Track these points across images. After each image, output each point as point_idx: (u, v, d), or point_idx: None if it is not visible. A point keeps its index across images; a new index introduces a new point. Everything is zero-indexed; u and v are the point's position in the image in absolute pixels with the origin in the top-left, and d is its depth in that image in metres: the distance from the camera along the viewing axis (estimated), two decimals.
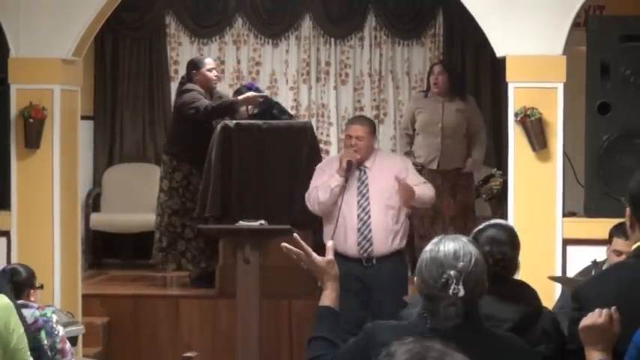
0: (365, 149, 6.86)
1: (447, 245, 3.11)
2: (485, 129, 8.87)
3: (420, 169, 8.80)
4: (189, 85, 8.36)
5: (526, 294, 3.86)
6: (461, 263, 3.06)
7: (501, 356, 3.13)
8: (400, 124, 9.55)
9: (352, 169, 6.79)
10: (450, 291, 3.02)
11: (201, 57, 8.97)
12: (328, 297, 3.44)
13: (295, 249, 3.50)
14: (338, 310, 3.44)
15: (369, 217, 6.78)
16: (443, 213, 8.58)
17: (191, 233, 8.29)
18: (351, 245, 6.76)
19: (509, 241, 3.91)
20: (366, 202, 6.82)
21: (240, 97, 8.25)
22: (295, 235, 3.59)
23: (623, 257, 5.44)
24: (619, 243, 5.49)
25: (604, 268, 5.58)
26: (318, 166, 7.10)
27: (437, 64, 9.10)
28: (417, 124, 8.82)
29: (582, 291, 3.34)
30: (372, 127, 7.06)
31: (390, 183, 6.79)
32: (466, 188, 8.77)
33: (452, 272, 3.03)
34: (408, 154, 8.92)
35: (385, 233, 6.77)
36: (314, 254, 3.49)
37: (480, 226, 3.95)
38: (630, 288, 3.22)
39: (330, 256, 3.49)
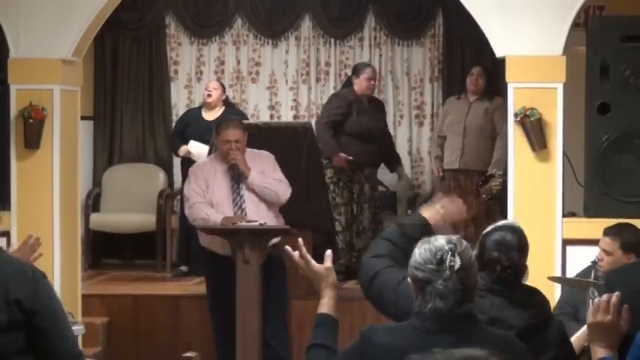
0: (243, 150, 7.02)
1: (439, 239, 3.24)
2: None
3: (443, 176, 8.85)
4: (340, 91, 9.09)
5: (536, 302, 3.77)
6: (454, 238, 3.22)
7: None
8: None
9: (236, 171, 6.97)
10: (447, 263, 3.13)
11: (365, 64, 9.31)
12: (326, 305, 3.47)
13: (294, 254, 3.53)
14: (336, 317, 3.47)
15: (245, 213, 6.91)
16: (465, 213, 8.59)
17: None
18: (223, 243, 6.86)
19: (518, 245, 3.79)
20: (241, 200, 6.96)
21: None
22: (300, 240, 3.63)
23: (602, 255, 5.56)
24: (604, 241, 5.62)
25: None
26: (191, 170, 7.16)
27: (476, 66, 9.09)
28: (445, 126, 8.90)
29: (613, 279, 3.36)
30: (244, 127, 7.16)
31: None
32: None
33: (446, 247, 3.17)
34: (439, 158, 8.98)
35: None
36: (312, 261, 3.53)
37: (488, 229, 3.85)
38: None
39: (328, 263, 3.52)
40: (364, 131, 8.77)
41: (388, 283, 3.82)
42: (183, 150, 9.08)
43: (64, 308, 3.77)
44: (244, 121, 8.03)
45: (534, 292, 3.83)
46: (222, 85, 9.45)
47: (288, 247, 3.61)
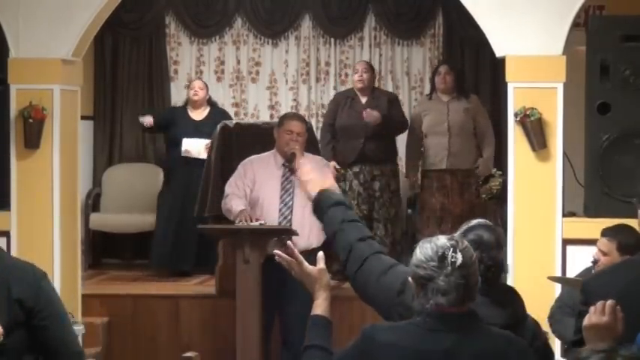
0: (303, 146, 7.02)
1: (440, 238, 3.23)
2: (492, 127, 8.83)
3: (423, 177, 8.76)
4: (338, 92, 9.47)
5: (514, 301, 3.77)
6: (455, 236, 3.24)
7: (501, 351, 3.15)
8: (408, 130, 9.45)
9: (293, 162, 6.91)
10: (449, 259, 3.13)
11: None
12: (320, 306, 3.43)
13: (287, 257, 3.49)
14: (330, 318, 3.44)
15: (291, 212, 6.90)
16: (451, 212, 8.56)
17: None
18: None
19: (497, 243, 3.77)
20: (289, 198, 6.95)
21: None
22: (289, 242, 3.57)
23: (599, 255, 5.57)
24: (601, 242, 5.59)
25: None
26: (242, 164, 7.15)
27: (442, 64, 9.04)
28: (424, 127, 8.74)
29: (590, 285, 3.35)
30: (308, 127, 7.22)
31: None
32: (474, 187, 8.73)
33: (447, 244, 3.16)
34: (417, 167, 8.81)
35: (307, 228, 6.78)
36: (305, 263, 3.47)
37: (462, 229, 3.78)
38: (637, 285, 3.23)
39: (321, 264, 3.47)
40: (346, 127, 8.69)
41: (373, 272, 3.73)
42: (147, 122, 9.19)
43: (64, 308, 3.79)
44: (228, 121, 8.10)
45: (511, 291, 3.84)
46: (207, 85, 9.49)
47: (277, 251, 3.55)
